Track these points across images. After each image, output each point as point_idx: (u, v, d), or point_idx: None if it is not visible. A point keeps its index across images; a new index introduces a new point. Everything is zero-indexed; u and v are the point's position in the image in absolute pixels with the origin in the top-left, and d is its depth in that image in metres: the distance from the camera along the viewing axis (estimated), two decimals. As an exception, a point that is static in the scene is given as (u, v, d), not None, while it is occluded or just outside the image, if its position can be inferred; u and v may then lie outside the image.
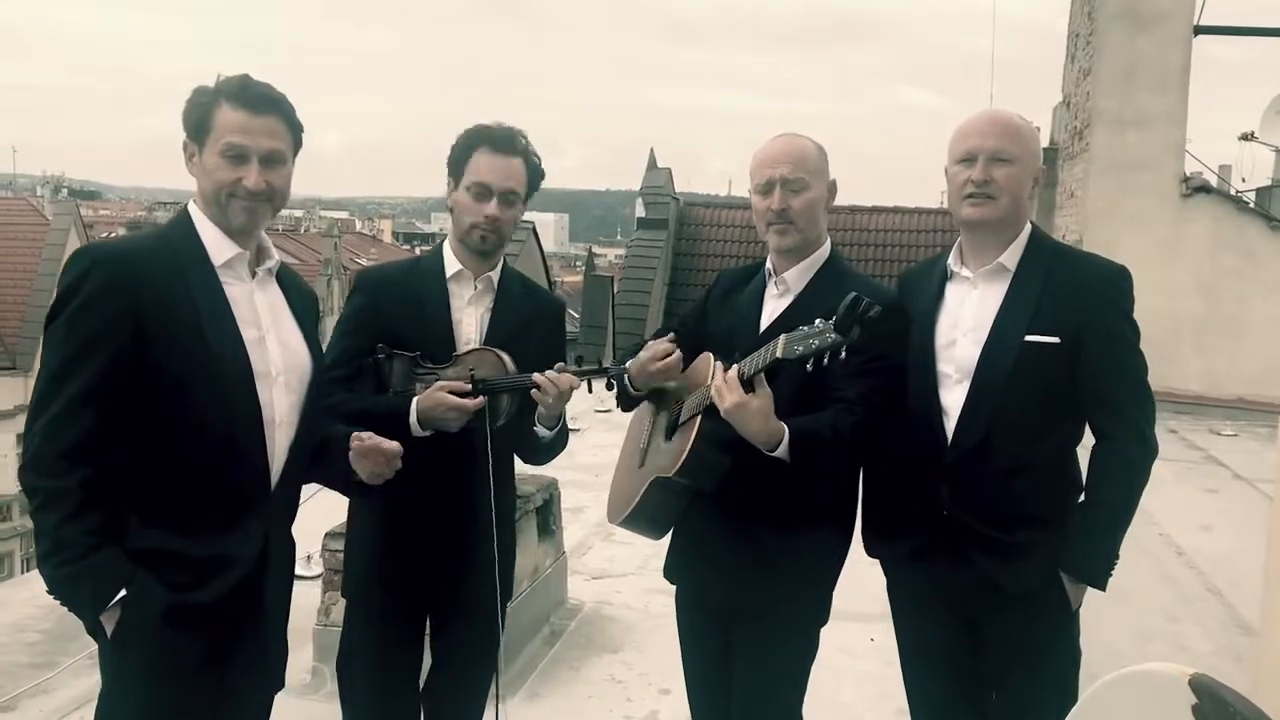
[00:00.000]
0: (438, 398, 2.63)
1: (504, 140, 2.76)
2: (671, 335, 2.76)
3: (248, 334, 2.29)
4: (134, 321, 2.16)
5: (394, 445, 2.46)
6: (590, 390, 2.81)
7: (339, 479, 2.55)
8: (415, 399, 2.66)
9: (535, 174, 2.82)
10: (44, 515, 2.15)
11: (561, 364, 2.71)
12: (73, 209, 30.27)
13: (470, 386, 2.62)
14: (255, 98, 2.26)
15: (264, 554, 2.32)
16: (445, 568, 2.76)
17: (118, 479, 2.19)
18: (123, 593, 2.16)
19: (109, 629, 2.18)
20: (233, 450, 2.26)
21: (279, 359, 2.34)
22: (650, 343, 2.76)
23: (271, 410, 2.31)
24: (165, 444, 2.22)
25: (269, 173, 2.27)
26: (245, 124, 2.25)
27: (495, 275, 2.85)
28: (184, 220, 2.33)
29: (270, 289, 2.41)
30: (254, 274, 2.36)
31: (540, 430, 2.80)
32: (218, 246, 2.30)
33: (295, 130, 2.35)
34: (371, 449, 2.46)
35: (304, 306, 2.49)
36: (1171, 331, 11.89)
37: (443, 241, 2.92)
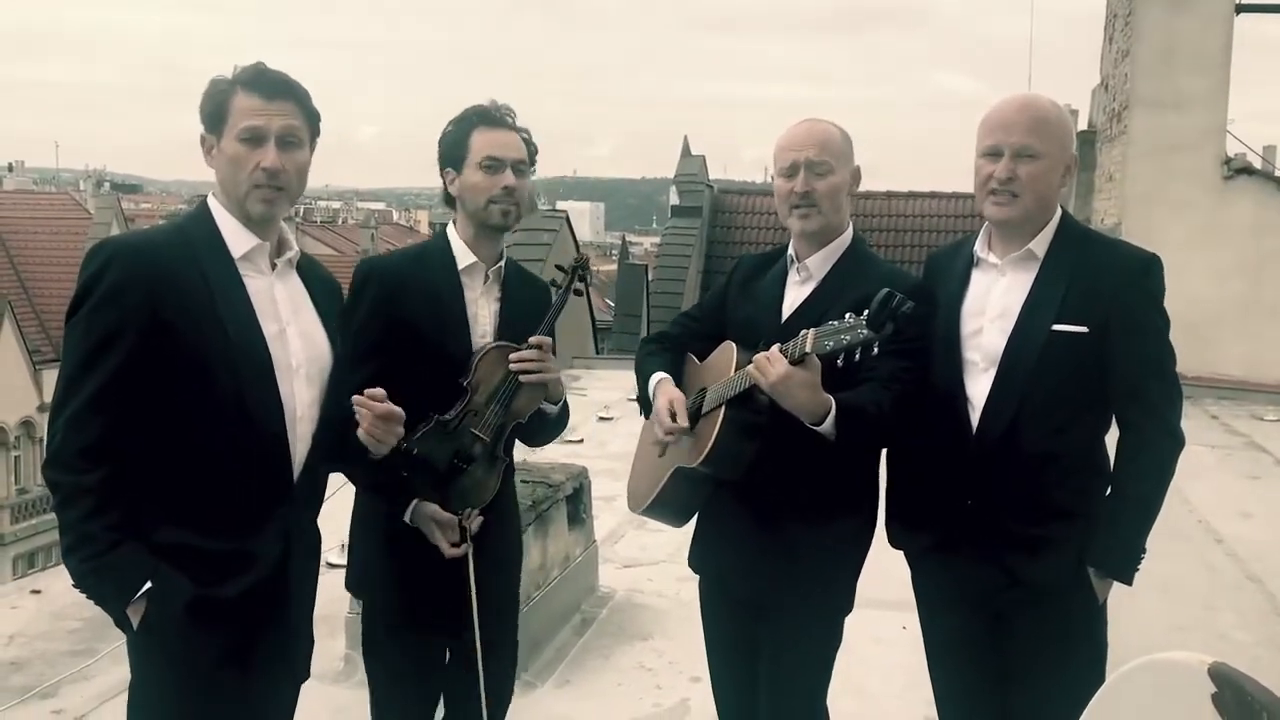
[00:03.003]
0: (431, 530, 2.65)
1: (499, 116, 2.77)
2: (684, 426, 2.65)
3: (268, 327, 2.29)
4: (153, 315, 2.16)
5: (393, 410, 2.38)
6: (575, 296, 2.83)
7: (355, 473, 2.56)
8: (411, 508, 2.64)
9: (532, 148, 2.81)
10: (67, 511, 2.16)
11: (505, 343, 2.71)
12: (114, 203, 30.82)
13: (458, 535, 2.63)
14: (270, 83, 2.27)
15: (286, 549, 2.33)
16: (453, 569, 2.73)
17: (140, 474, 2.21)
18: (147, 585, 2.18)
19: (134, 622, 2.20)
20: (254, 444, 2.26)
21: (300, 351, 2.34)
22: (679, 404, 2.67)
23: (293, 403, 2.31)
24: (186, 438, 2.23)
25: (285, 155, 2.26)
26: (261, 108, 2.25)
27: (503, 265, 2.83)
28: (203, 213, 2.33)
29: (291, 280, 2.40)
30: (274, 266, 2.36)
31: (546, 406, 2.78)
32: (237, 238, 2.30)
33: (312, 118, 2.34)
34: (363, 405, 2.38)
35: (326, 297, 2.47)
36: (1214, 316, 11.71)
37: (443, 230, 2.86)
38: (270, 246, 2.35)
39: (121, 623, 2.23)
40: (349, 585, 2.90)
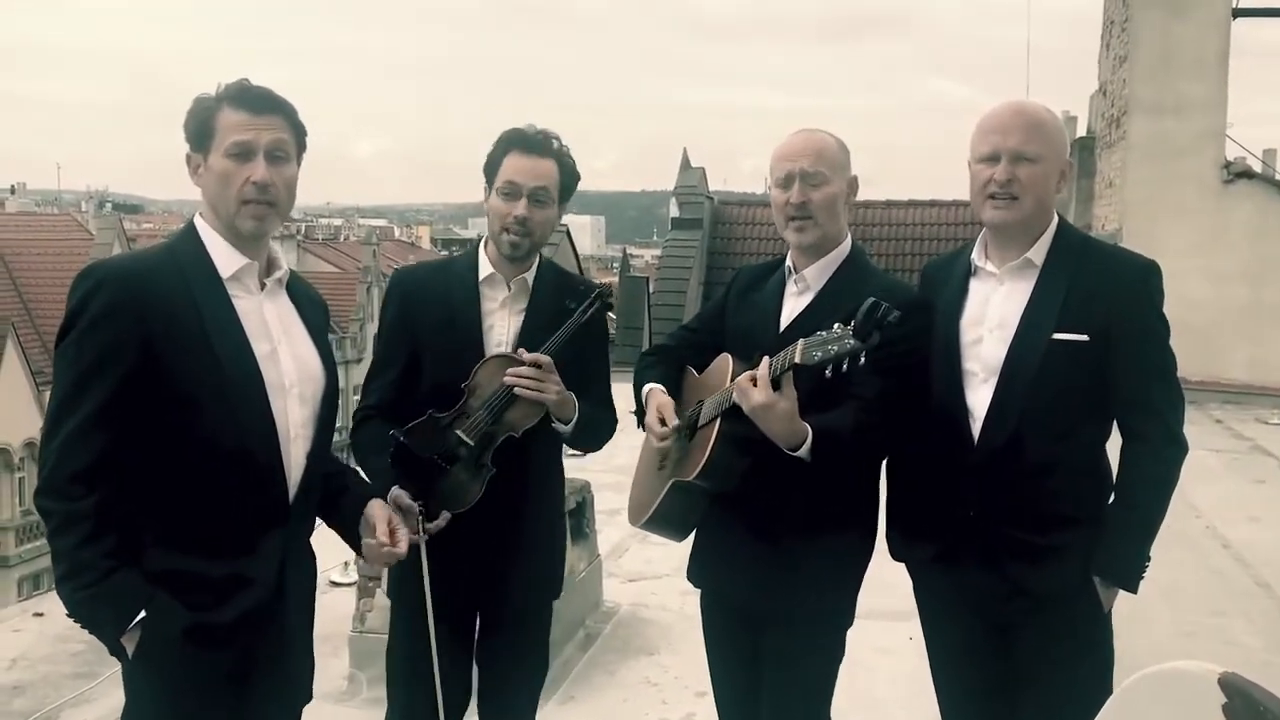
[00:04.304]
0: (396, 510, 2.61)
1: (535, 142, 2.75)
2: (676, 424, 2.65)
3: (259, 347, 2.26)
4: (142, 339, 2.14)
5: (400, 552, 2.43)
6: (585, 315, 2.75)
7: (344, 531, 2.51)
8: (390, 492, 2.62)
9: (568, 175, 2.79)
10: (60, 539, 2.13)
11: (521, 350, 2.68)
12: (116, 223, 30.90)
13: (415, 524, 2.59)
14: (257, 98, 2.25)
15: (283, 571, 2.30)
16: (487, 569, 2.74)
17: (133, 499, 2.19)
18: (142, 614, 2.15)
19: (130, 650, 2.18)
20: (248, 466, 2.24)
21: (292, 371, 2.31)
22: (668, 403, 2.69)
23: (286, 423, 2.29)
24: (179, 462, 2.20)
25: (274, 169, 2.25)
26: (249, 122, 2.23)
27: (530, 276, 2.81)
28: (191, 233, 2.31)
29: (280, 300, 2.38)
30: (263, 285, 2.34)
31: (558, 426, 2.74)
32: (225, 259, 2.28)
33: (299, 132, 2.32)
34: (377, 552, 2.43)
35: (315, 316, 2.46)
36: (1216, 320, 11.72)
37: (478, 242, 2.89)
38: (259, 266, 2.33)
39: (116, 651, 2.20)
40: (389, 592, 2.94)
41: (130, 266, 2.28)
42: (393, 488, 2.62)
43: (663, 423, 2.64)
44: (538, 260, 2.84)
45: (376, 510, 2.46)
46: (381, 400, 2.80)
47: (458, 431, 2.65)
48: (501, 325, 2.77)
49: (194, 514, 2.22)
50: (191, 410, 2.19)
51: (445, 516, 2.64)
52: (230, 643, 2.24)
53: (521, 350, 2.68)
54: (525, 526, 2.78)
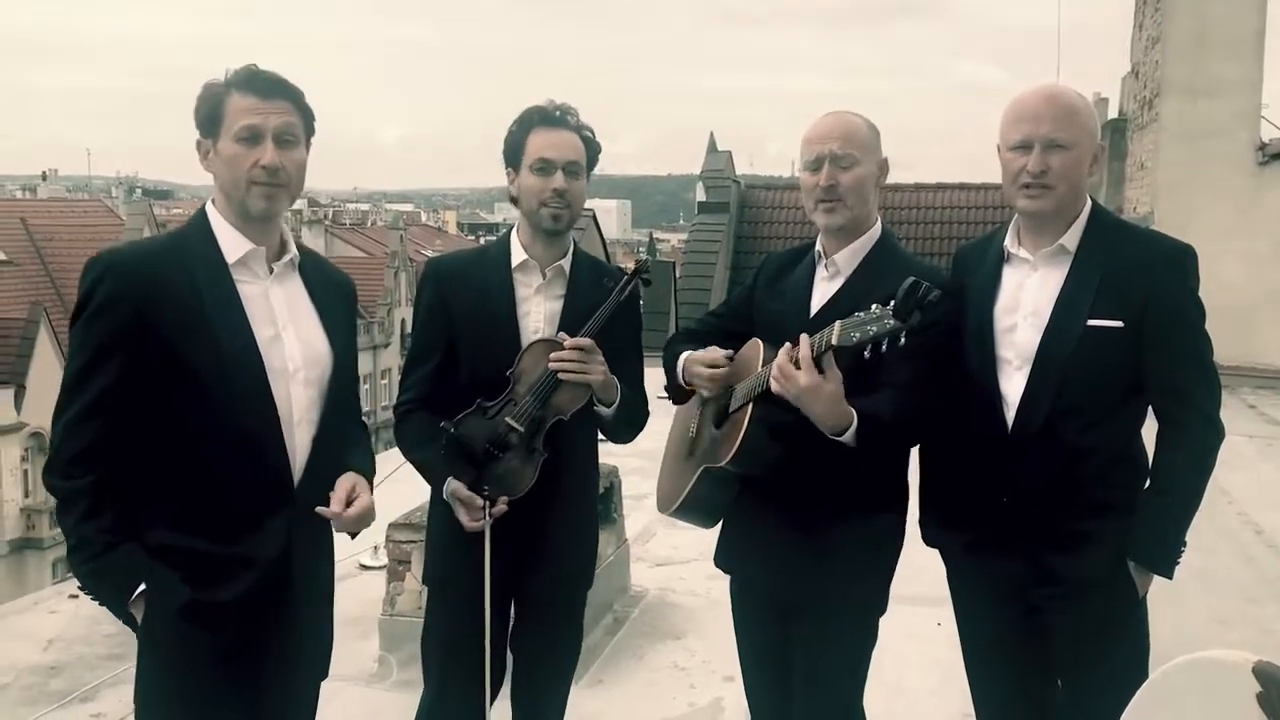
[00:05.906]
0: (455, 505, 2.71)
1: (557, 116, 2.77)
2: (730, 354, 2.69)
3: (262, 332, 2.29)
4: (146, 326, 2.19)
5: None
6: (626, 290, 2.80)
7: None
8: (446, 484, 2.72)
9: (592, 147, 2.81)
10: (65, 515, 2.22)
11: (563, 335, 2.71)
12: (146, 209, 31.16)
13: (482, 502, 2.66)
14: (264, 83, 2.28)
15: (288, 551, 2.33)
16: (526, 555, 2.76)
17: (136, 479, 2.24)
18: (142, 586, 2.21)
19: (138, 619, 2.25)
20: (250, 450, 2.27)
21: (297, 355, 2.34)
22: (713, 348, 2.71)
23: (290, 408, 2.32)
24: (183, 445, 2.25)
25: (283, 153, 2.27)
26: (257, 106, 2.26)
27: (566, 264, 2.82)
28: (200, 220, 2.34)
29: (290, 284, 2.40)
30: (272, 270, 2.36)
31: (600, 410, 2.78)
32: (232, 244, 2.31)
33: (307, 116, 2.35)
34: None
35: (329, 298, 2.47)
36: (1251, 304, 11.56)
37: (509, 231, 2.90)
38: (269, 251, 2.36)
39: (128, 621, 2.28)
40: (425, 578, 2.98)
41: (136, 255, 2.32)
42: (449, 480, 2.68)
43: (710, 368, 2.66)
44: (572, 248, 2.86)
45: (341, 481, 2.40)
46: (422, 393, 2.82)
47: (507, 419, 2.69)
48: (537, 312, 2.79)
49: (197, 495, 2.27)
50: (193, 395, 2.23)
51: (504, 502, 2.67)
52: (226, 624, 2.28)
53: (562, 334, 2.70)
54: (563, 514, 2.79)
